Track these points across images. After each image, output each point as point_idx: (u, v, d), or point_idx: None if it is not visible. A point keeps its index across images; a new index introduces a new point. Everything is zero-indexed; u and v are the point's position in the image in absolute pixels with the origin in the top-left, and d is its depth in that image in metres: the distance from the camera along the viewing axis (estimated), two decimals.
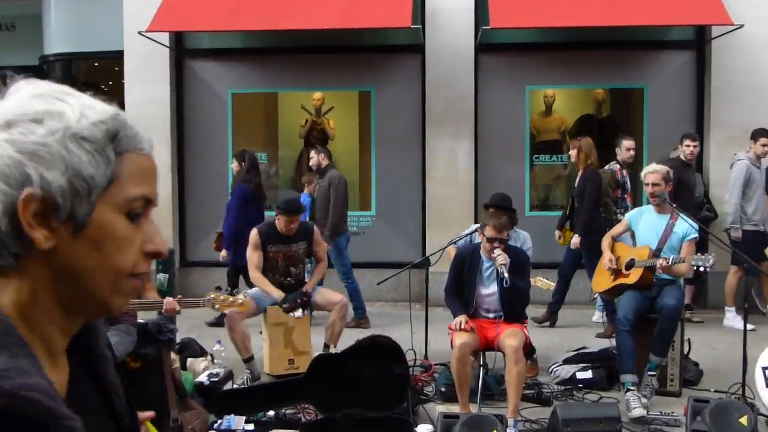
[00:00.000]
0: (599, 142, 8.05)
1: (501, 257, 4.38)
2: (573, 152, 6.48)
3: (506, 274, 4.31)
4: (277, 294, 5.12)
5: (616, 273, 5.01)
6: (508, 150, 8.01)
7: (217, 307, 4.18)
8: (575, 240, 6.38)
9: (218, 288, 4.33)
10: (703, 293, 7.49)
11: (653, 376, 4.64)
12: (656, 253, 4.80)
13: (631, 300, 4.78)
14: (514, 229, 5.42)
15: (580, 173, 6.46)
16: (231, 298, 4.22)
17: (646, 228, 4.97)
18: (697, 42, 7.82)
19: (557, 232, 6.82)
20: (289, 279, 5.31)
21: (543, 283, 5.30)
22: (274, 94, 8.56)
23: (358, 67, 8.19)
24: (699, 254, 4.55)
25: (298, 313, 5.12)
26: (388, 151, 8.10)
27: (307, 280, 5.42)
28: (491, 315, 4.54)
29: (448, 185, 7.78)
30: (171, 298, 4.08)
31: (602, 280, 5.14)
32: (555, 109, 8.18)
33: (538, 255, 5.90)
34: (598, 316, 6.70)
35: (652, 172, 4.92)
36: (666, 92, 7.85)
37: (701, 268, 4.51)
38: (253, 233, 5.27)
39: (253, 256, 5.23)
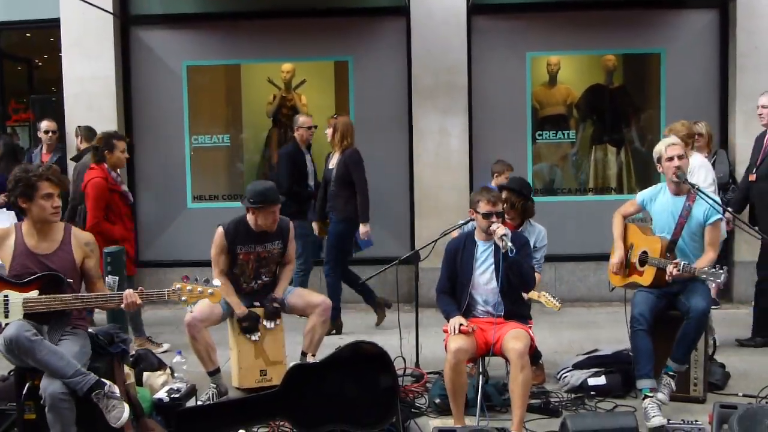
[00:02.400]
0: (611, 115, 8.18)
1: (500, 229, 4.45)
2: (329, 131, 6.87)
3: (510, 244, 4.37)
4: (239, 310, 5.16)
5: (630, 266, 5.06)
6: (507, 127, 8.06)
7: (184, 299, 4.09)
8: (364, 229, 6.72)
9: (186, 277, 4.19)
10: (730, 286, 7.61)
11: (673, 377, 4.72)
12: (671, 246, 4.84)
13: (647, 296, 4.84)
14: (530, 222, 5.50)
15: (337, 154, 6.79)
16: (200, 288, 4.13)
17: (661, 211, 4.98)
18: (721, 0, 7.90)
19: (315, 225, 7.06)
20: (259, 282, 5.33)
21: (546, 300, 5.30)
22: (236, 67, 8.53)
23: (333, 34, 8.19)
24: (709, 267, 4.55)
25: (255, 336, 5.17)
26: (369, 131, 8.10)
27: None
28: (490, 309, 4.60)
29: (438, 169, 7.82)
30: (130, 290, 4.06)
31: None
32: (560, 79, 8.23)
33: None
34: None
35: (674, 144, 4.91)
36: (686, 58, 7.93)
37: (711, 284, 4.55)
38: (218, 233, 5.26)
39: (217, 260, 5.23)
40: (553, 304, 5.22)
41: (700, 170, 5.86)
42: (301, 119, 7.24)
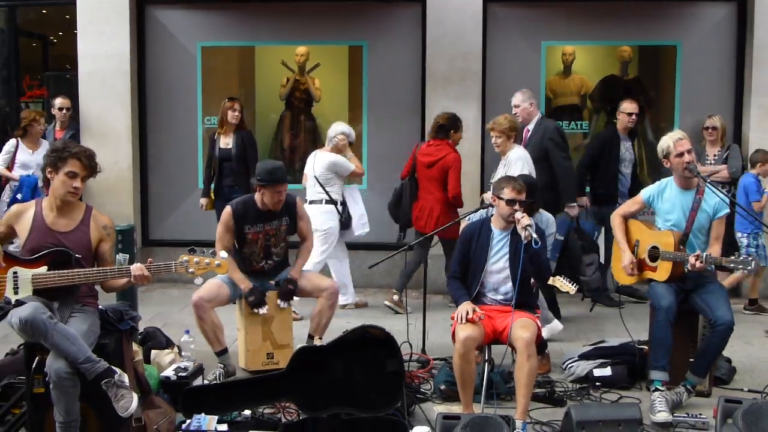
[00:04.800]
0: None
1: (525, 218, 4.42)
2: (234, 113, 7.14)
3: (534, 235, 4.32)
4: (244, 285, 5.16)
5: (639, 262, 4.98)
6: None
7: (191, 270, 4.08)
8: None
9: (192, 249, 4.19)
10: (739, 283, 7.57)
11: (689, 392, 4.66)
12: (684, 239, 4.79)
13: (669, 288, 4.77)
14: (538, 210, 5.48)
15: (231, 135, 7.14)
16: (207, 260, 4.12)
17: (671, 206, 4.91)
18: None
19: (204, 200, 7.33)
20: (269, 262, 5.34)
21: (562, 284, 5.27)
22: (250, 48, 8.52)
23: (348, 18, 8.15)
24: (737, 255, 4.54)
25: (263, 309, 5.17)
26: (382, 116, 8.10)
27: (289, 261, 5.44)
28: (499, 297, 4.59)
29: None
30: (139, 264, 4.05)
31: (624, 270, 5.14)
32: (575, 69, 8.18)
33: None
34: None
35: (681, 138, 4.82)
36: (702, 50, 7.86)
37: (742, 272, 4.52)
38: (226, 212, 5.27)
39: (223, 238, 5.24)
40: (569, 287, 5.22)
41: (517, 162, 5.81)
42: (624, 104, 7.16)
